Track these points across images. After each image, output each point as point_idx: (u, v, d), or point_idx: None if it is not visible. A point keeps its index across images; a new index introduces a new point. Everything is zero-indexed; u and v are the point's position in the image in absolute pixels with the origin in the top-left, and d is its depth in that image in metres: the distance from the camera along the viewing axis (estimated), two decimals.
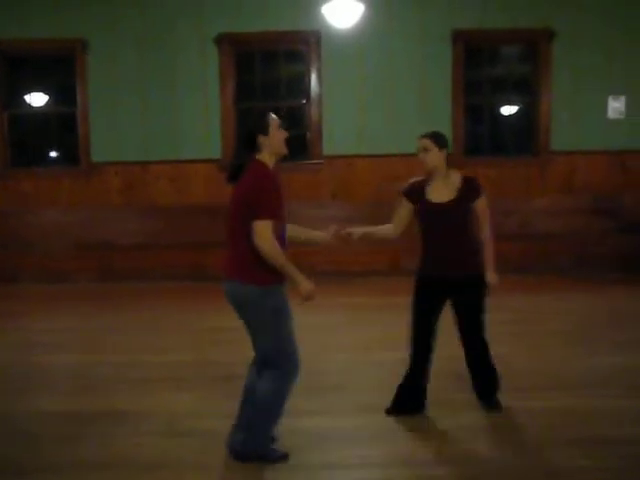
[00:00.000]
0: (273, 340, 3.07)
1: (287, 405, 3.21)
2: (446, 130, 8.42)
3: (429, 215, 3.69)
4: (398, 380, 3.86)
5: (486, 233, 3.73)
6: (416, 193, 3.74)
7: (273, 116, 3.12)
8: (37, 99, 8.75)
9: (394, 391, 3.85)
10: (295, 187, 8.50)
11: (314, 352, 4.98)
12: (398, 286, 7.61)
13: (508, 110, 9.04)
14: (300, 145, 8.65)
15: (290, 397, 3.20)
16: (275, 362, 3.09)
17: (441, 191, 3.67)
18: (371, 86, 8.43)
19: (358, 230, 3.80)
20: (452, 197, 3.65)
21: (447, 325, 3.84)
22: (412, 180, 3.84)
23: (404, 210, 3.81)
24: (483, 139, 8.88)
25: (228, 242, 3.11)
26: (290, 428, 3.40)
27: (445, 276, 3.68)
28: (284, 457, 3.20)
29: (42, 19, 8.30)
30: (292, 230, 3.35)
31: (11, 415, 3.93)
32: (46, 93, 8.75)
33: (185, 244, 8.56)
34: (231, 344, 5.33)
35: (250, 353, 3.26)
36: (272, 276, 3.02)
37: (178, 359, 4.99)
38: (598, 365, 4.66)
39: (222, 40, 8.34)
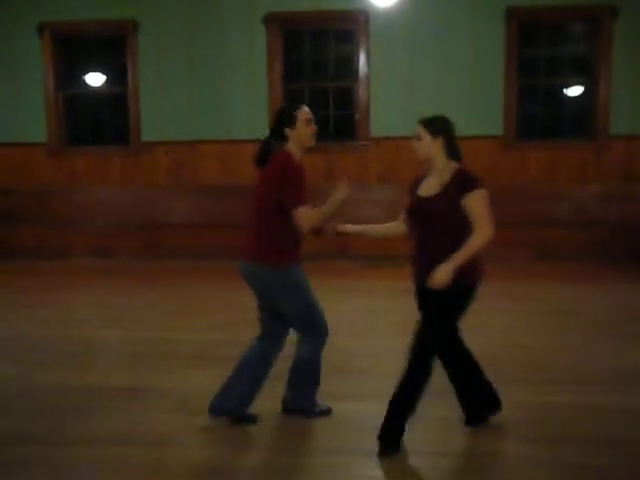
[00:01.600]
0: (299, 313, 3.28)
1: None
2: (498, 112, 8.21)
3: (411, 210, 3.21)
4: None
5: (474, 237, 2.97)
6: (413, 186, 3.27)
7: (304, 110, 3.26)
8: (90, 79, 8.93)
9: None
10: (341, 168, 8.44)
11: (345, 334, 4.98)
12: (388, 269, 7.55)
13: (565, 91, 8.65)
14: (348, 126, 8.56)
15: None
16: (306, 330, 3.34)
17: (431, 185, 3.12)
18: (420, 66, 8.23)
19: (353, 227, 3.49)
20: (436, 192, 3.06)
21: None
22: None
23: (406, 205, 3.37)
24: (537, 121, 8.54)
25: (252, 224, 3.26)
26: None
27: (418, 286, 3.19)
28: (327, 411, 3.51)
29: (93, 0, 8.46)
30: None
31: (34, 387, 4.04)
32: (99, 73, 8.92)
33: (232, 224, 8.59)
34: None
35: None
36: (290, 256, 3.22)
37: (207, 338, 5.03)
38: (632, 362, 4.43)
39: (270, 19, 8.30)
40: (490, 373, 4.14)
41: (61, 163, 8.83)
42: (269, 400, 3.51)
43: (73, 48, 8.82)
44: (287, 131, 3.23)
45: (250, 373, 3.36)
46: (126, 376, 4.24)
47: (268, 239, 3.20)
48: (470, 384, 3.37)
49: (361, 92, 8.40)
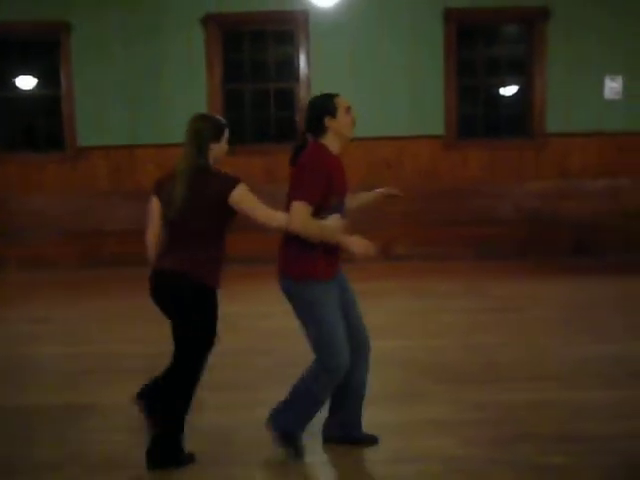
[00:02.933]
0: (314, 334, 2.95)
1: None
2: (438, 112, 8.29)
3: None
4: (381, 368, 3.72)
5: None
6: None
7: (342, 98, 3.01)
8: (22, 82, 8.57)
9: (379, 379, 3.77)
10: (281, 170, 8.32)
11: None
12: (387, 272, 7.60)
13: (503, 91, 8.82)
14: (289, 127, 8.48)
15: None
16: (318, 357, 2.97)
17: None
18: (360, 67, 8.23)
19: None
20: None
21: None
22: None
23: None
24: (477, 121, 8.68)
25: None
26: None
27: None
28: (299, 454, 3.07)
29: (25, 1, 8.12)
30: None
31: None
32: (31, 76, 8.56)
33: None
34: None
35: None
36: (312, 269, 2.91)
37: (151, 350, 4.84)
38: (582, 356, 4.52)
39: (209, 20, 8.15)
40: (445, 374, 4.19)
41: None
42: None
43: (4, 50, 8.43)
44: (327, 121, 2.92)
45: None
46: (68, 394, 4.06)
47: (289, 248, 2.95)
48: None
49: (302, 93, 8.34)
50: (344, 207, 3.09)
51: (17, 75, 8.52)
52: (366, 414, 3.28)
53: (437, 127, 8.33)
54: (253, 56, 8.48)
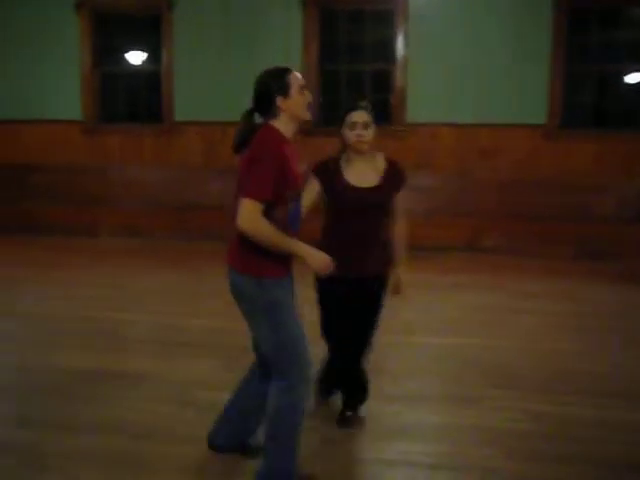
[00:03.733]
0: (272, 339, 2.59)
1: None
2: (540, 100, 7.80)
3: (345, 200, 3.14)
4: (438, 366, 3.59)
5: (403, 227, 3.27)
6: (328, 174, 3.15)
7: (296, 75, 2.66)
8: (126, 57, 8.87)
9: (434, 377, 3.72)
10: None
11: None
12: (471, 264, 7.29)
13: (616, 80, 8.14)
14: (383, 110, 8.28)
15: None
16: (277, 367, 2.61)
17: (364, 174, 3.14)
18: (459, 50, 7.86)
19: None
20: (377, 183, 3.13)
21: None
22: (325, 159, 3.21)
23: (313, 190, 3.15)
24: (585, 111, 8.08)
25: (233, 224, 2.55)
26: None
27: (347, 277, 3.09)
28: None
29: None
30: None
31: (32, 369, 4.01)
32: (135, 51, 8.85)
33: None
34: None
35: None
36: (272, 267, 2.57)
37: (217, 325, 4.90)
38: None
39: (308, 0, 8.07)
40: (505, 379, 3.94)
41: (95, 141, 8.82)
42: None
43: (110, 25, 8.76)
44: (279, 101, 2.58)
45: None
46: (124, 361, 4.17)
47: (242, 242, 2.56)
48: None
49: (398, 76, 8.10)
50: (299, 201, 2.72)
51: (122, 50, 8.83)
52: (414, 412, 3.15)
53: (538, 116, 7.84)
54: (350, 36, 8.32)
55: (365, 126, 3.07)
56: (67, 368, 4.01)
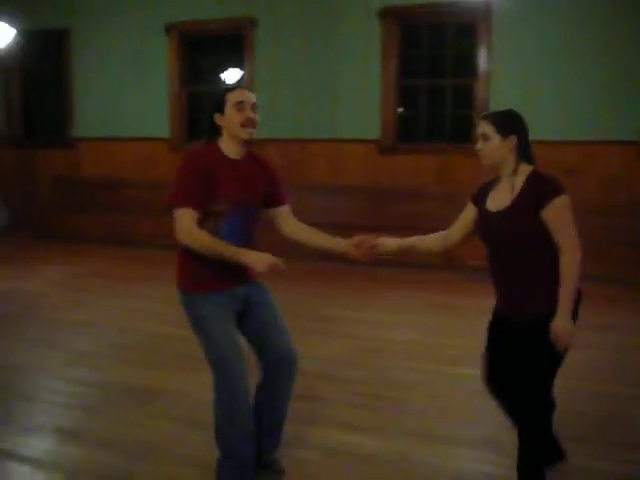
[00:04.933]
0: (204, 350, 2.69)
1: (329, 412, 3.06)
2: (636, 115, 7.19)
3: (482, 229, 2.72)
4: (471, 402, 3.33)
5: (570, 263, 2.48)
6: (481, 196, 2.73)
7: (237, 92, 2.67)
8: (211, 76, 9.14)
9: (462, 415, 3.45)
10: (455, 172, 7.89)
11: (393, 359, 4.58)
12: None
13: None
14: (464, 126, 7.97)
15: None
16: (213, 369, 2.69)
17: (501, 196, 2.60)
18: (547, 64, 7.42)
19: (389, 242, 3.00)
20: (507, 204, 2.56)
21: None
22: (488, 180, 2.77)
23: (467, 215, 2.83)
24: None
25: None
26: (324, 442, 3.09)
27: (507, 316, 2.70)
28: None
29: (214, 0, 8.62)
30: (308, 234, 2.95)
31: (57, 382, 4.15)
32: (219, 70, 9.09)
33: (334, 224, 8.40)
34: (323, 335, 5.10)
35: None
36: (199, 283, 2.67)
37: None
38: None
39: (386, 13, 7.93)
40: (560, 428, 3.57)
41: (181, 157, 9.10)
42: None
43: (196, 46, 9.07)
44: (217, 118, 2.65)
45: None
46: (148, 375, 4.20)
47: (178, 257, 2.73)
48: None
49: (480, 90, 7.77)
50: (247, 218, 2.73)
51: (208, 70, 9.10)
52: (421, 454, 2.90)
53: (631, 132, 7.22)
54: (430, 50, 8.09)
55: (484, 138, 2.59)
56: (91, 381, 4.11)
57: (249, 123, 2.63)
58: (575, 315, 2.57)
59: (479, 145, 2.63)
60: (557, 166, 7.46)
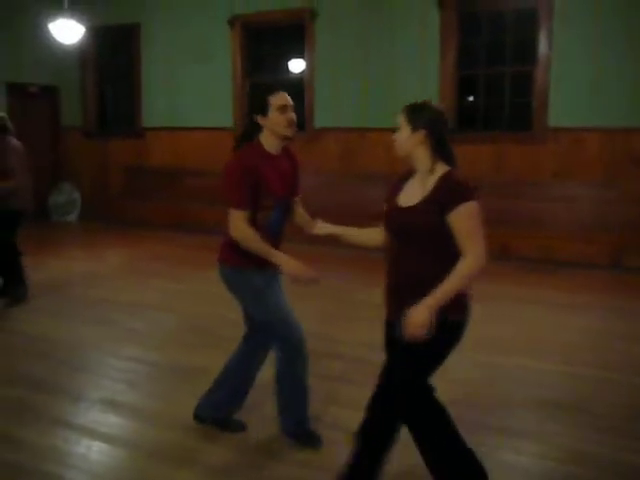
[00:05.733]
0: (259, 313, 3.06)
1: (355, 394, 3.11)
2: None
3: (386, 221, 2.60)
4: (505, 391, 3.33)
5: (462, 265, 2.35)
6: (395, 189, 2.61)
7: (279, 95, 2.94)
8: (273, 67, 9.31)
9: (492, 402, 3.49)
10: (513, 161, 7.78)
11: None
12: (614, 284, 6.61)
13: None
14: (523, 115, 7.82)
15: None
16: (272, 332, 3.06)
17: (411, 192, 2.50)
18: (610, 49, 7.16)
19: (331, 227, 2.93)
20: (415, 202, 2.44)
21: None
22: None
23: None
24: None
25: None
26: (351, 424, 3.06)
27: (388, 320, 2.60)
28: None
29: None
30: (301, 219, 3.19)
31: (108, 358, 4.42)
32: (281, 61, 9.25)
33: None
34: (357, 320, 5.19)
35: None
36: (251, 259, 2.93)
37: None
38: None
39: (445, 2, 7.86)
40: (575, 414, 3.57)
41: None
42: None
43: (258, 38, 9.26)
44: (259, 119, 2.94)
45: (231, 377, 3.24)
46: (194, 355, 4.41)
47: (225, 237, 3.05)
48: (446, 456, 2.56)
49: (539, 77, 7.59)
50: (285, 209, 3.08)
51: (270, 61, 9.28)
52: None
53: None
54: (490, 38, 7.96)
55: (399, 128, 2.54)
56: (136, 358, 4.36)
57: (293, 124, 2.96)
58: (456, 329, 2.46)
59: (394, 134, 2.57)
60: (622, 154, 7.26)
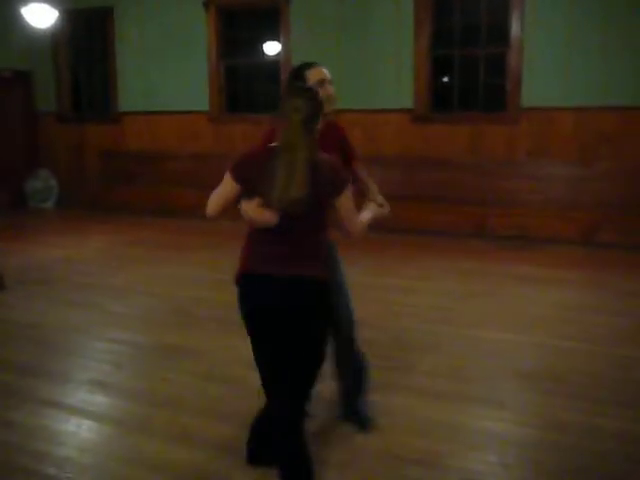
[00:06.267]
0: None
1: None
2: None
3: None
4: (489, 364, 3.51)
5: None
6: None
7: (316, 70, 2.87)
8: (248, 50, 9.31)
9: (476, 374, 3.64)
10: (488, 141, 7.90)
11: (411, 322, 4.75)
12: (587, 260, 6.79)
13: None
14: (496, 95, 7.94)
15: None
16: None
17: None
18: (581, 30, 7.29)
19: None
20: None
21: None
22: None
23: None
24: None
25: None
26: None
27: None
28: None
29: None
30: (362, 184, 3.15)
31: (92, 341, 4.50)
32: (256, 44, 9.26)
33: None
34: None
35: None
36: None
37: None
38: None
39: None
40: (558, 384, 3.71)
41: (220, 130, 9.37)
42: None
43: (234, 21, 9.24)
44: None
45: None
46: (176, 336, 4.50)
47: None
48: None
49: (512, 58, 7.71)
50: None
51: (244, 43, 9.27)
52: (428, 409, 3.06)
53: None
54: (464, 19, 8.04)
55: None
56: (120, 340, 4.43)
57: (332, 98, 2.89)
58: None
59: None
60: (595, 133, 7.42)
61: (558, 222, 7.57)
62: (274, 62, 9.07)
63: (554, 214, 7.59)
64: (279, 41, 8.91)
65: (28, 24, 8.47)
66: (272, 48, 9.24)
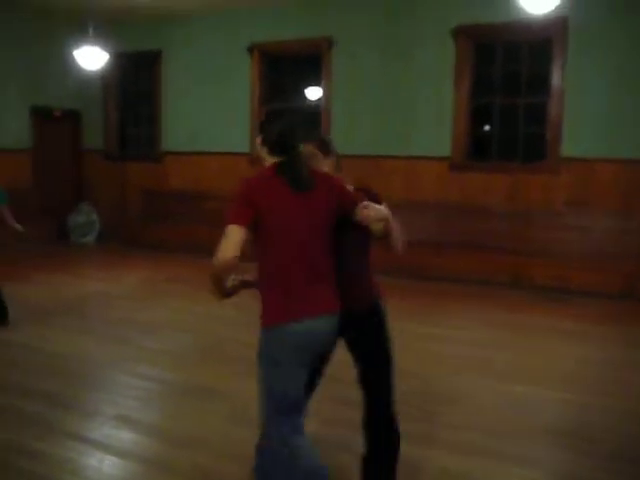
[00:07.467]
0: (260, 389, 2.52)
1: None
2: None
3: None
4: (511, 418, 3.35)
5: None
6: None
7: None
8: (290, 95, 9.49)
9: (496, 428, 3.46)
10: (526, 191, 7.84)
11: (460, 374, 4.67)
12: (617, 314, 6.60)
13: None
14: (537, 145, 7.90)
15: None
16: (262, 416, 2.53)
17: None
18: (626, 81, 7.25)
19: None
20: None
21: None
22: None
23: None
24: None
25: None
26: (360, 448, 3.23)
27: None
28: None
29: (294, 21, 8.98)
30: None
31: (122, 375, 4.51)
32: (298, 89, 9.43)
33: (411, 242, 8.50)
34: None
35: None
36: (273, 313, 2.41)
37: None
38: None
39: (460, 32, 8.01)
40: (579, 441, 3.56)
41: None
42: None
43: (277, 65, 9.46)
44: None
45: None
46: (205, 375, 4.49)
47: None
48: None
49: (553, 108, 7.69)
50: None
51: (287, 88, 9.46)
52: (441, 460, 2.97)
53: None
54: (504, 68, 8.08)
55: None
56: (152, 377, 4.44)
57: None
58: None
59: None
60: (636, 184, 7.30)
61: (597, 274, 7.41)
62: (315, 107, 9.22)
63: (593, 266, 7.44)
64: (321, 86, 9.06)
65: (80, 66, 8.80)
66: (314, 93, 9.40)
